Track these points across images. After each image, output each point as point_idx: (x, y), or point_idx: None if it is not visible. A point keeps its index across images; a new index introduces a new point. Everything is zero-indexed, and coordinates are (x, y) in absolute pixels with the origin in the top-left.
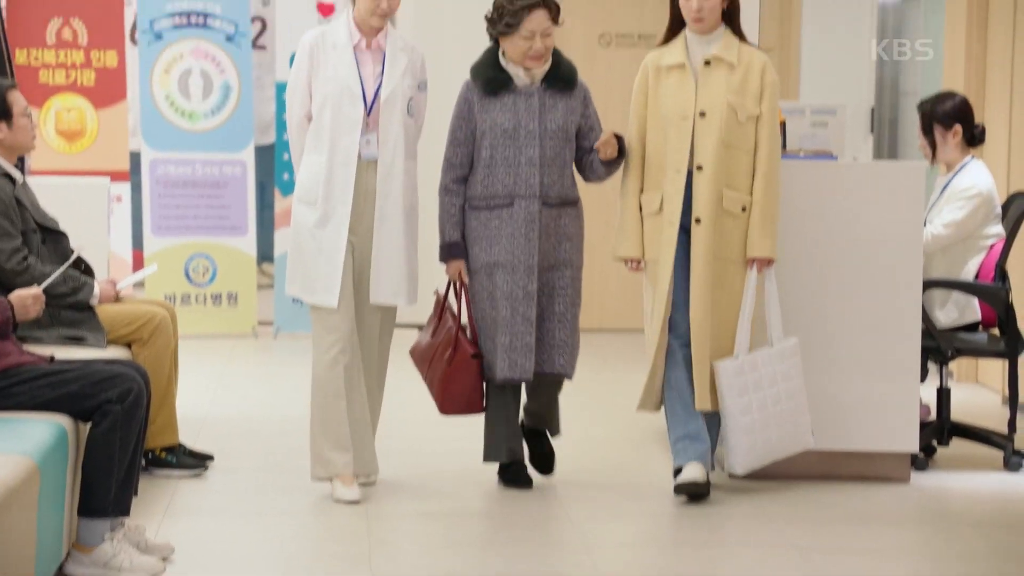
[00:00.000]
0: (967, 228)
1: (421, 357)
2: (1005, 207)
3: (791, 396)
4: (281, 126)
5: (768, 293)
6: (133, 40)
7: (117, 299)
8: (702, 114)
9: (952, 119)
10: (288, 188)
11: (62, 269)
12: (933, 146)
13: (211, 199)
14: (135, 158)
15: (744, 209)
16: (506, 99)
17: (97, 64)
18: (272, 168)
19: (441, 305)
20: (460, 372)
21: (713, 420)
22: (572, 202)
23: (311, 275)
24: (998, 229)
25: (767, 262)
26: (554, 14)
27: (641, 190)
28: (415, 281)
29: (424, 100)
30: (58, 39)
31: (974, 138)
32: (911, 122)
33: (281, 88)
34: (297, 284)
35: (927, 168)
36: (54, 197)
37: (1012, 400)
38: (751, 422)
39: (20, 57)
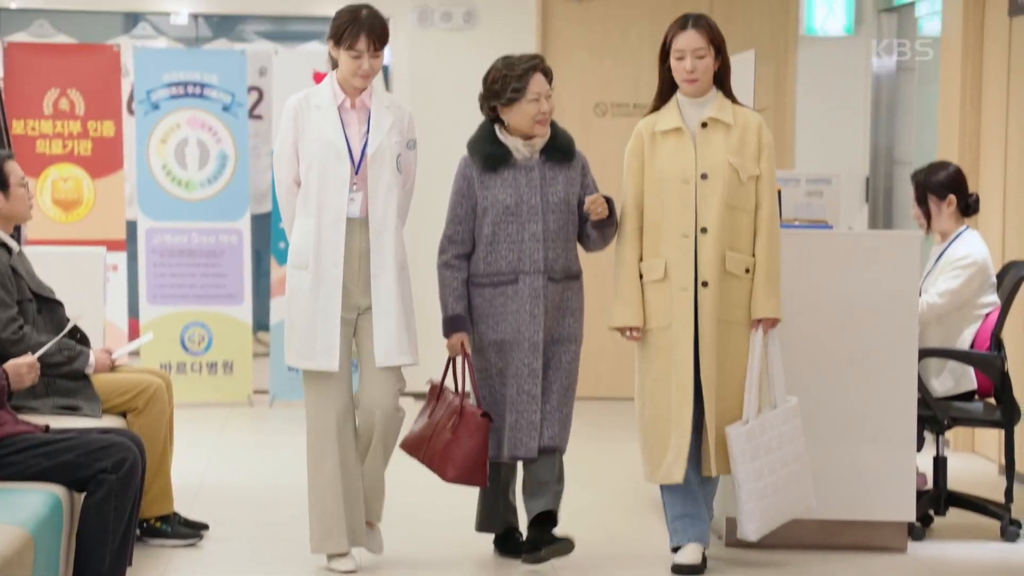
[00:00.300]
0: (963, 297)
1: (417, 441)
2: (1000, 276)
3: (796, 458)
4: None
5: (772, 353)
6: (130, 110)
7: (113, 368)
8: (704, 176)
9: (946, 189)
10: (284, 256)
11: (57, 338)
12: (928, 216)
13: (207, 268)
14: (131, 227)
15: (748, 271)
16: (506, 174)
17: (94, 134)
18: (268, 236)
19: (438, 389)
20: (467, 437)
21: (710, 485)
22: (576, 276)
23: (308, 340)
24: (993, 298)
25: (773, 322)
26: (549, 77)
27: (640, 258)
28: (415, 339)
29: (414, 159)
30: (55, 109)
31: (968, 207)
32: (906, 191)
33: None
34: (295, 352)
35: (922, 237)
36: (50, 266)
37: (1008, 469)
38: (764, 487)
39: (17, 127)
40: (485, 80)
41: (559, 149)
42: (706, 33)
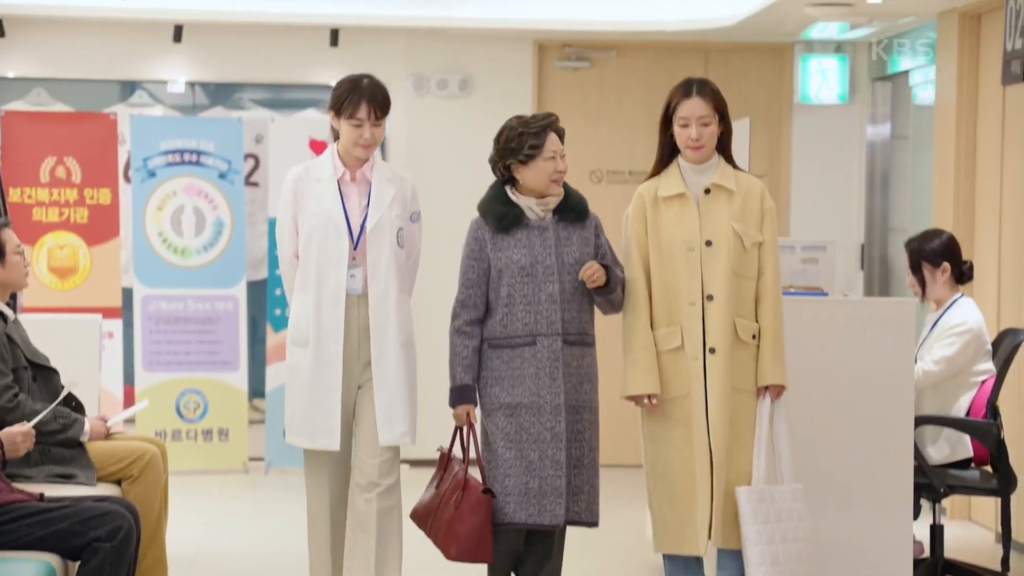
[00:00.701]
0: (958, 364)
1: (425, 512)
2: (996, 343)
3: (806, 537)
4: (273, 261)
5: (777, 425)
6: (127, 178)
7: (108, 436)
8: (708, 243)
9: (940, 257)
10: (280, 323)
11: (52, 406)
12: (922, 283)
13: (203, 334)
14: (127, 294)
15: (754, 337)
16: (520, 235)
17: (90, 202)
18: (264, 303)
19: (445, 459)
20: (469, 513)
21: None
22: (591, 342)
23: (308, 419)
24: (989, 365)
25: (779, 390)
26: (562, 136)
27: (653, 325)
28: (415, 419)
29: (418, 232)
30: (52, 177)
31: (963, 275)
32: (901, 259)
33: (274, 224)
34: (295, 431)
35: (917, 305)
36: (46, 334)
37: (1005, 538)
38: (775, 552)
39: (14, 195)
40: (498, 139)
41: (573, 209)
42: (711, 100)
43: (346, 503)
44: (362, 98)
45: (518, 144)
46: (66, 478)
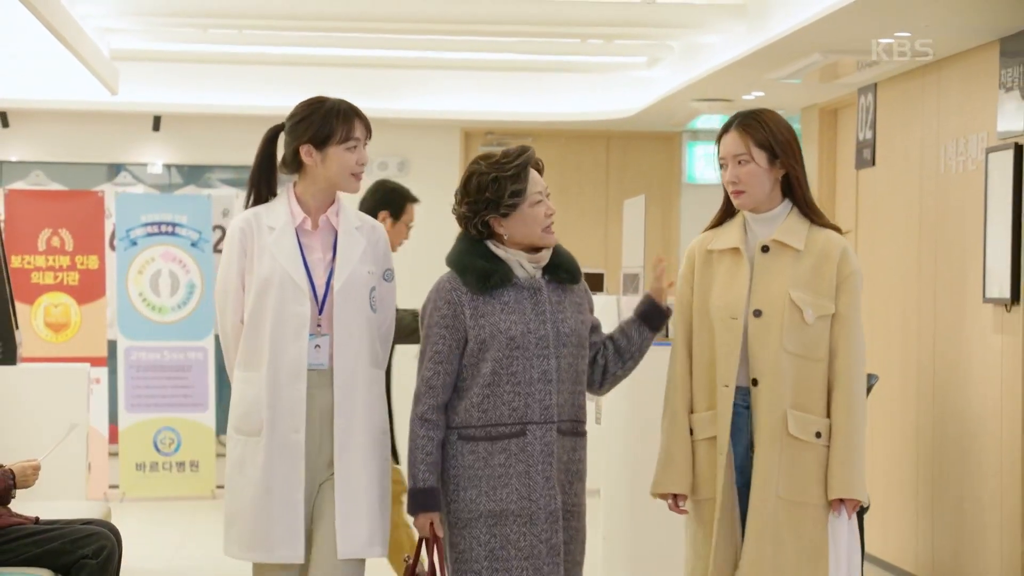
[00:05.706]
0: None
1: None
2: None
3: None
4: None
5: (852, 545)
6: (112, 246)
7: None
8: (757, 313)
9: None
10: None
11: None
12: None
13: (177, 380)
14: (112, 345)
15: (819, 435)
16: (506, 297)
17: (81, 267)
18: None
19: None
20: None
21: None
22: (585, 431)
23: (263, 526)
24: None
25: (854, 504)
26: (542, 171)
27: (691, 409)
28: (387, 524)
29: (392, 292)
30: (48, 246)
31: None
32: None
33: None
34: (244, 541)
35: None
36: (41, 380)
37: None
38: None
39: (15, 262)
40: (468, 189)
41: (565, 268)
42: (751, 133)
43: None
44: (354, 115)
45: (495, 193)
46: None
